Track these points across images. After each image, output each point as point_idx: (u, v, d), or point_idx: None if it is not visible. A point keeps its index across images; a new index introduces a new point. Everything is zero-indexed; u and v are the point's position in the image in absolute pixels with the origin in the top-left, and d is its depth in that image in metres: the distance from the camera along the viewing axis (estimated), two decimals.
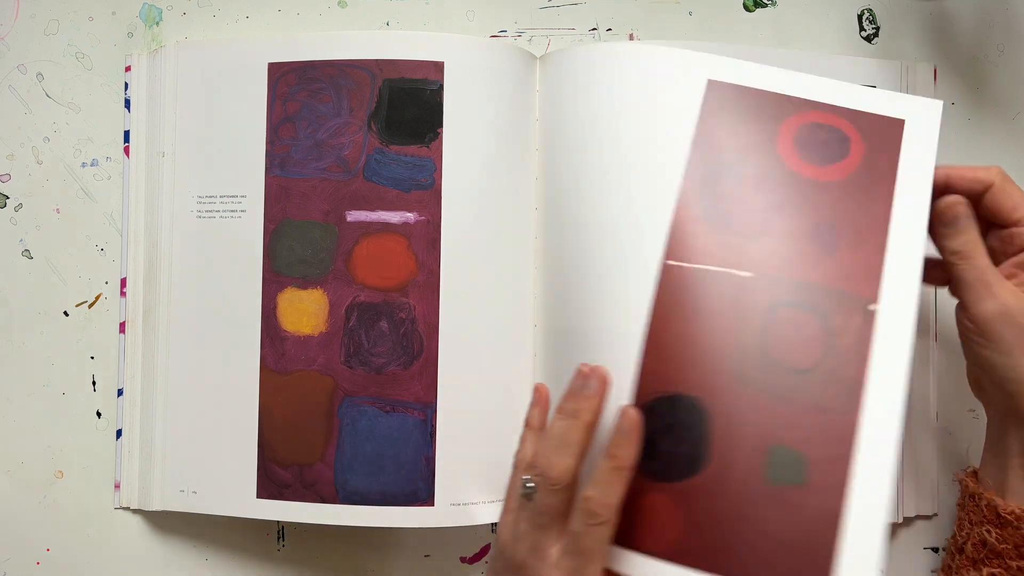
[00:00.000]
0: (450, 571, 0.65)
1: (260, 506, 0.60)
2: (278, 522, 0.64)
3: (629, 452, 0.48)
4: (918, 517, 0.62)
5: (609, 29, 0.65)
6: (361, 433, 0.59)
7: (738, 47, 0.60)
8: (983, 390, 0.55)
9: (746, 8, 0.65)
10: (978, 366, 0.53)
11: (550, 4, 0.65)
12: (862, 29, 0.65)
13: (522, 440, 0.55)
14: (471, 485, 0.59)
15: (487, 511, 0.59)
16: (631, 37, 0.65)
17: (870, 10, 0.65)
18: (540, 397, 0.56)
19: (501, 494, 0.56)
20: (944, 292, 0.62)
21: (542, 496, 0.49)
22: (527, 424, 0.55)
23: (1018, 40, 0.65)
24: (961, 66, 0.64)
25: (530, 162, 0.62)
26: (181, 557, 0.65)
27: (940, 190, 0.53)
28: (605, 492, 0.48)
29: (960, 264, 0.52)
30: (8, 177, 0.65)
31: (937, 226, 0.53)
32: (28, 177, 0.65)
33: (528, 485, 0.50)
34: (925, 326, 0.62)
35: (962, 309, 0.53)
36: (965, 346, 0.53)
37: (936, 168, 0.53)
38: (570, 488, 0.49)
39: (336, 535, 0.64)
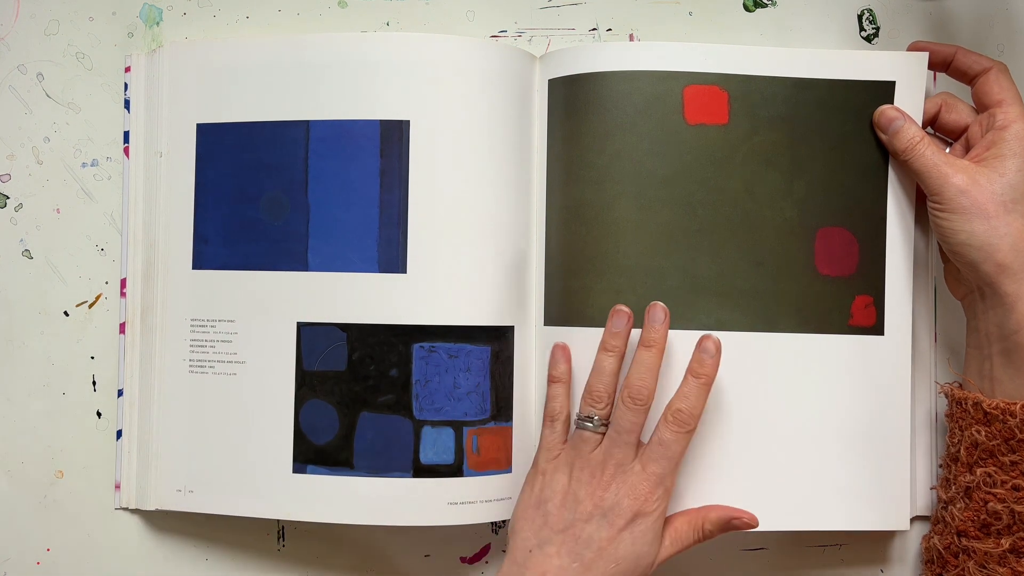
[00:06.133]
0: (450, 571, 0.65)
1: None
2: (278, 521, 0.64)
3: (712, 369, 0.56)
4: (918, 518, 0.62)
5: (609, 29, 0.65)
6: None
7: (738, 47, 0.60)
8: (958, 281, 0.59)
9: (746, 8, 0.65)
10: (945, 242, 0.57)
11: (550, 4, 0.65)
12: (862, 29, 0.65)
13: (552, 395, 0.59)
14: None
15: None
16: (631, 37, 0.65)
17: (870, 10, 0.65)
18: (566, 354, 0.60)
19: None
20: (943, 295, 0.62)
21: (629, 417, 0.55)
22: (557, 380, 0.59)
23: (1018, 40, 0.64)
24: None
25: (530, 161, 0.62)
26: (181, 557, 0.65)
27: (946, 64, 0.60)
28: (692, 404, 0.56)
29: (911, 159, 0.57)
30: (8, 177, 0.65)
31: (879, 135, 0.59)
32: (28, 177, 0.65)
33: (588, 420, 0.57)
34: (925, 329, 0.62)
35: (926, 192, 0.57)
36: (934, 227, 0.57)
37: (946, 44, 0.60)
38: (648, 407, 0.56)
39: (336, 535, 0.64)
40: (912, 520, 0.62)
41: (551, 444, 0.58)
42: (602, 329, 0.59)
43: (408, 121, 0.60)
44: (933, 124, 0.61)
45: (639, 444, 0.56)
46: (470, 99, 0.60)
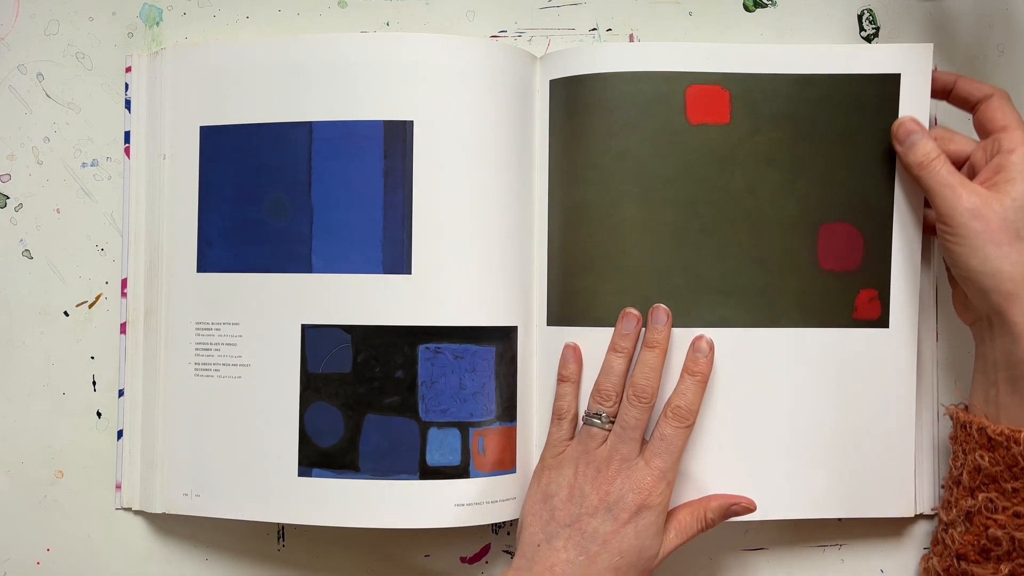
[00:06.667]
0: (450, 571, 0.65)
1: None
2: (278, 522, 0.64)
3: (706, 367, 0.59)
4: (919, 516, 0.62)
5: (609, 29, 0.65)
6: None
7: (740, 46, 0.60)
8: (966, 307, 0.59)
9: (746, 8, 0.65)
10: (955, 268, 0.56)
11: (550, 4, 0.65)
12: (862, 29, 0.65)
13: (561, 394, 0.60)
14: None
15: None
16: (631, 37, 0.65)
17: (870, 10, 0.65)
18: (576, 355, 0.61)
19: None
20: (945, 291, 0.62)
21: (634, 414, 0.57)
22: (567, 379, 0.60)
23: (1018, 40, 0.65)
24: (961, 66, 0.64)
25: (532, 161, 0.62)
26: (181, 557, 0.65)
27: (946, 92, 0.60)
28: (690, 400, 0.58)
29: (923, 175, 0.57)
30: (8, 177, 0.65)
31: (896, 146, 0.59)
32: (28, 177, 0.65)
33: (596, 417, 0.58)
34: (924, 326, 0.62)
35: (937, 215, 0.57)
36: (944, 253, 0.57)
37: (946, 72, 0.60)
38: (652, 405, 0.58)
39: (336, 535, 0.64)
40: (912, 520, 0.63)
41: (557, 441, 0.59)
42: (606, 329, 0.59)
43: (412, 121, 0.60)
44: None
45: (643, 441, 0.58)
46: (474, 99, 0.60)
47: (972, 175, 0.58)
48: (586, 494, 0.56)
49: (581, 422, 0.59)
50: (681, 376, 0.59)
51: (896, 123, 0.59)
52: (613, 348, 0.59)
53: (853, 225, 0.60)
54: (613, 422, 0.58)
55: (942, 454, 0.62)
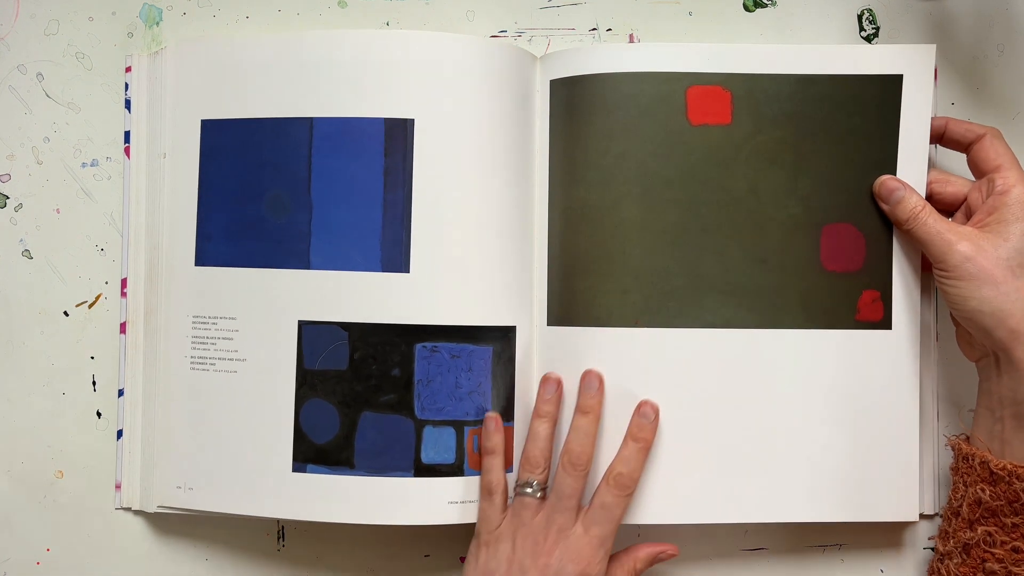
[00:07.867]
0: (450, 571, 0.65)
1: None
2: (278, 521, 0.64)
3: (651, 433, 0.59)
4: (919, 517, 0.62)
5: (609, 29, 0.65)
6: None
7: (741, 46, 0.60)
8: (971, 345, 0.59)
9: (746, 8, 0.65)
10: (956, 309, 0.56)
11: (550, 4, 0.65)
12: (862, 29, 0.65)
13: (488, 468, 0.59)
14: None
15: None
16: (631, 37, 0.65)
17: (870, 10, 0.65)
18: (498, 424, 0.60)
19: None
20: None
21: (569, 483, 0.57)
22: (492, 451, 0.59)
23: (1018, 40, 0.65)
24: (961, 66, 0.64)
25: (532, 161, 0.62)
26: (181, 557, 0.65)
27: (938, 135, 0.60)
28: (633, 468, 0.58)
29: (913, 228, 0.58)
30: (8, 177, 0.65)
31: (881, 206, 0.60)
32: (28, 177, 0.65)
33: (528, 486, 0.58)
34: (925, 327, 0.62)
35: (932, 261, 0.57)
36: (943, 295, 0.57)
37: (936, 117, 0.60)
38: (587, 472, 0.58)
39: (336, 535, 0.64)
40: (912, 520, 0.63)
41: (490, 516, 0.58)
42: (607, 329, 0.59)
43: (412, 120, 0.60)
44: (930, 200, 0.60)
45: (580, 507, 0.58)
46: (475, 98, 0.60)
47: (969, 215, 0.58)
48: (526, 568, 0.56)
49: (512, 492, 0.59)
50: (624, 441, 0.59)
51: (878, 182, 0.59)
52: (537, 414, 0.59)
53: (855, 226, 0.60)
54: (545, 489, 0.58)
55: (944, 454, 0.62)
